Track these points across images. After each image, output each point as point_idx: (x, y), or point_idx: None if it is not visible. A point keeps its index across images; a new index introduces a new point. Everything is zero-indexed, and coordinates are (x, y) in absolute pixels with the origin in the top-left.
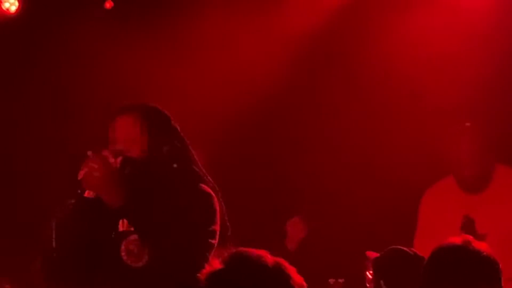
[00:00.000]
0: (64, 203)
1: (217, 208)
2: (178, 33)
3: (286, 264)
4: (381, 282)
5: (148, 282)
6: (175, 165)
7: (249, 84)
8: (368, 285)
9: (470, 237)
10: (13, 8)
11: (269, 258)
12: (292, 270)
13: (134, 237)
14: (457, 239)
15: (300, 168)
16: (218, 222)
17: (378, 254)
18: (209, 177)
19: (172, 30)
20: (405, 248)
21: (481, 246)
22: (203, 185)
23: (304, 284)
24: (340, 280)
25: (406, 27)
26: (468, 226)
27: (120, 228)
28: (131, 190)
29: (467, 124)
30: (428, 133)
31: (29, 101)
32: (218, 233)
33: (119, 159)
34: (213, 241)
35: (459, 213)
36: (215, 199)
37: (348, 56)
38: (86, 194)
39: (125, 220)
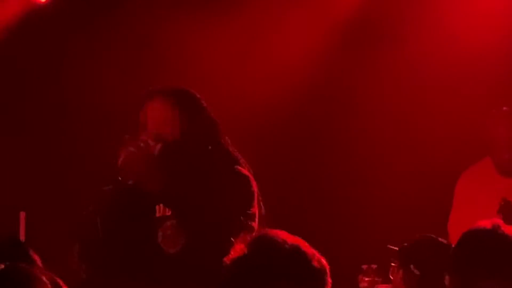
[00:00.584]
0: (102, 189)
1: (255, 190)
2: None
3: (307, 246)
4: (411, 266)
5: (185, 267)
6: (210, 147)
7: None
8: (391, 276)
9: (499, 221)
10: None
11: (291, 240)
12: (314, 252)
13: (170, 222)
14: (486, 223)
15: (331, 153)
16: (257, 204)
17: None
18: (243, 159)
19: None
20: (433, 236)
21: (511, 230)
22: (239, 167)
23: (326, 265)
24: (373, 266)
25: (442, 15)
26: (506, 209)
27: (157, 214)
28: (169, 174)
29: (505, 108)
30: (464, 118)
31: (63, 88)
32: (257, 215)
33: (159, 144)
34: (253, 224)
35: (495, 196)
36: (253, 181)
37: (385, 45)
38: (124, 181)
39: (161, 206)
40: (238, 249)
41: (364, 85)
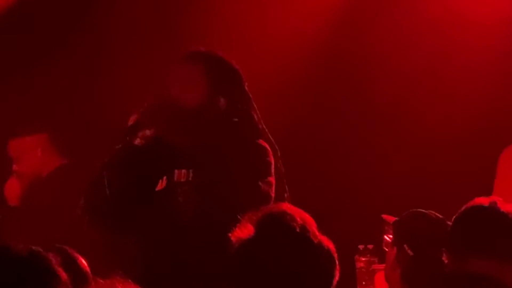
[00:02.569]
0: (113, 149)
1: (272, 161)
2: None
3: (314, 229)
4: (405, 246)
5: (200, 231)
6: (235, 119)
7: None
8: (386, 249)
9: (498, 198)
10: None
11: (298, 220)
12: (321, 236)
13: (188, 187)
14: (484, 200)
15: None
16: (273, 175)
17: (395, 218)
18: (269, 135)
19: None
20: (426, 211)
21: (510, 208)
22: (259, 140)
23: (333, 248)
24: (369, 246)
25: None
26: None
27: (176, 178)
28: (188, 138)
29: None
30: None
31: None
32: (274, 185)
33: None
34: (270, 192)
35: None
36: (271, 153)
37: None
38: (137, 142)
39: (182, 171)
40: (245, 228)
41: (370, 59)
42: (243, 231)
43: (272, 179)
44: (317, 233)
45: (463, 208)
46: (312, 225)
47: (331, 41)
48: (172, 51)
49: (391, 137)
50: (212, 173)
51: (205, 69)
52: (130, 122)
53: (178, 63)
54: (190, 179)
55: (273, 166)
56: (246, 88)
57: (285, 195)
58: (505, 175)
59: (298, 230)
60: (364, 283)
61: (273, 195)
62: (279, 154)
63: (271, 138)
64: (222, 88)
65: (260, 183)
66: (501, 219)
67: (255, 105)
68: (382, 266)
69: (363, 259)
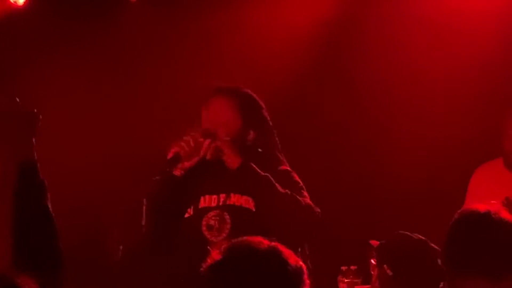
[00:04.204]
0: (151, 179)
1: (299, 180)
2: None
3: (283, 249)
4: (385, 266)
5: None
6: (260, 150)
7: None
8: (372, 272)
9: (497, 205)
10: (21, 1)
11: (265, 243)
12: (289, 254)
13: (214, 212)
14: (481, 206)
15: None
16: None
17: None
18: (286, 163)
19: None
20: (408, 233)
21: (507, 215)
22: (282, 166)
23: (303, 266)
24: (353, 267)
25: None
26: (508, 207)
27: (201, 205)
28: (216, 168)
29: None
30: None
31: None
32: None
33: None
34: (310, 203)
35: (503, 194)
36: (295, 174)
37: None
38: (175, 172)
39: (206, 197)
40: (213, 255)
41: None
42: (211, 258)
43: (305, 192)
44: (286, 253)
45: (458, 213)
46: (280, 246)
47: (324, 43)
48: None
49: (377, 156)
50: (240, 200)
51: (239, 105)
52: (170, 155)
53: (212, 97)
54: (220, 204)
55: (301, 184)
56: (269, 122)
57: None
58: (475, 195)
59: (264, 248)
60: None
61: (310, 203)
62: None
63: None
64: (252, 122)
65: (299, 197)
66: (496, 224)
67: (277, 140)
68: (365, 287)
69: (346, 280)
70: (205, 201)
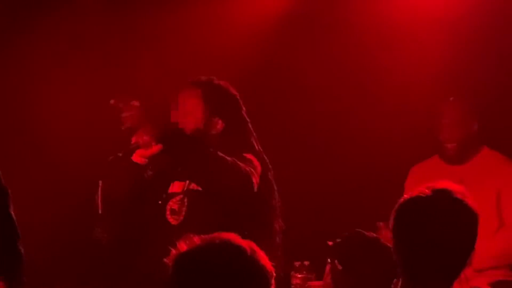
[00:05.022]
0: (106, 162)
1: (257, 169)
2: None
3: (254, 247)
4: (336, 261)
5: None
6: (228, 138)
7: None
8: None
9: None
10: None
11: (237, 241)
12: (260, 254)
13: (178, 197)
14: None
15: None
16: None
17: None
18: (264, 155)
19: None
20: (361, 231)
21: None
22: (246, 154)
23: (272, 268)
24: (306, 263)
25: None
26: None
27: (170, 191)
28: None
29: (451, 98)
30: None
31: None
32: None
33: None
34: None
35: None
36: (255, 163)
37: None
38: (134, 159)
39: (175, 183)
40: (180, 248)
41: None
42: (177, 249)
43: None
44: (258, 254)
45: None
46: (251, 245)
47: (279, 37)
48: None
49: (328, 153)
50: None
51: (204, 95)
52: (133, 140)
53: (179, 88)
54: (185, 189)
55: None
56: (243, 113)
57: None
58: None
59: (235, 247)
60: None
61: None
62: (271, 173)
63: (266, 158)
64: (219, 111)
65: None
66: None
67: (251, 128)
68: (318, 283)
69: (299, 275)
70: (173, 187)
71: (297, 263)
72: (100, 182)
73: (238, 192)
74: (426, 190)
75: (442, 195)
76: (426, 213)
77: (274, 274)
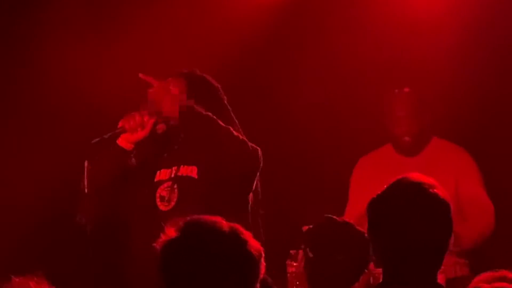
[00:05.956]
0: (91, 144)
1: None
2: None
3: (242, 229)
4: (307, 249)
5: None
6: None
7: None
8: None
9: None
10: None
11: (224, 224)
12: (248, 235)
13: (166, 184)
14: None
15: None
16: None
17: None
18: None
19: None
20: (334, 216)
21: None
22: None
23: (261, 248)
24: (301, 251)
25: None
26: None
27: (157, 178)
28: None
29: (405, 90)
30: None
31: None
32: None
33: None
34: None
35: (393, 175)
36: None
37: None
38: (119, 142)
39: (162, 171)
40: (168, 232)
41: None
42: (167, 235)
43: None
44: (245, 235)
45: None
46: (239, 228)
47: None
48: None
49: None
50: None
51: (187, 85)
52: (118, 126)
53: (163, 79)
54: (172, 176)
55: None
56: (225, 102)
57: (259, 197)
58: (359, 184)
59: (219, 226)
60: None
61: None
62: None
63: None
64: (201, 100)
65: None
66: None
67: (233, 117)
68: None
69: (295, 264)
70: (160, 175)
71: (292, 251)
72: (86, 162)
73: (249, 165)
74: (396, 184)
75: (414, 187)
76: (399, 207)
77: (263, 254)
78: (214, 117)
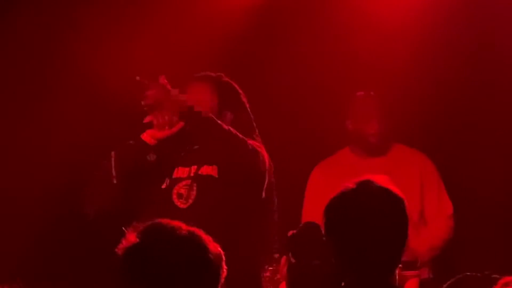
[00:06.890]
0: (124, 143)
1: (266, 163)
2: None
3: (202, 234)
4: (290, 254)
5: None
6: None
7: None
8: None
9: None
10: None
11: (183, 229)
12: (208, 240)
13: (185, 182)
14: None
15: None
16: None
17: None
18: (264, 150)
19: None
20: (316, 223)
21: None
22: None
23: (221, 252)
24: (276, 255)
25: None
26: None
27: (175, 175)
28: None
29: (362, 92)
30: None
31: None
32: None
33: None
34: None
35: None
36: (262, 152)
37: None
38: (143, 137)
39: (179, 168)
40: (129, 237)
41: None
42: (127, 240)
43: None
44: (205, 239)
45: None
46: (199, 232)
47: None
48: None
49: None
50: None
51: (216, 88)
52: (146, 120)
53: (190, 83)
54: (192, 175)
55: (263, 162)
56: (248, 109)
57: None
58: (314, 193)
59: (183, 233)
60: None
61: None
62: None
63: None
64: (229, 105)
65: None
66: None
67: (254, 124)
68: None
69: (270, 268)
70: (177, 172)
71: (276, 255)
72: (113, 153)
73: (253, 167)
74: (350, 185)
75: (366, 186)
76: (354, 207)
77: (224, 258)
78: (219, 121)
